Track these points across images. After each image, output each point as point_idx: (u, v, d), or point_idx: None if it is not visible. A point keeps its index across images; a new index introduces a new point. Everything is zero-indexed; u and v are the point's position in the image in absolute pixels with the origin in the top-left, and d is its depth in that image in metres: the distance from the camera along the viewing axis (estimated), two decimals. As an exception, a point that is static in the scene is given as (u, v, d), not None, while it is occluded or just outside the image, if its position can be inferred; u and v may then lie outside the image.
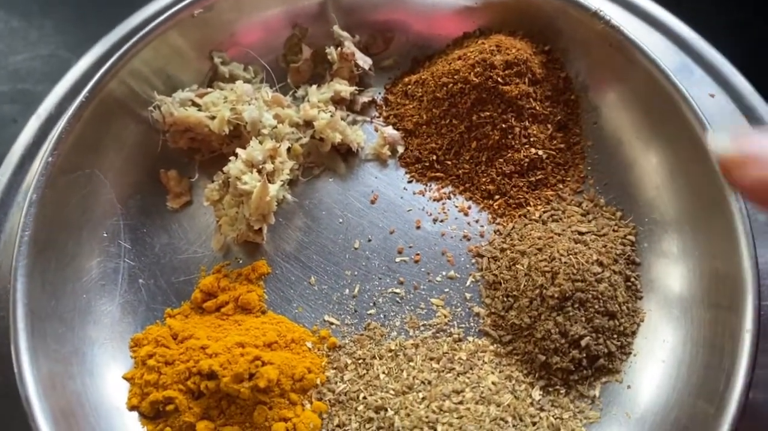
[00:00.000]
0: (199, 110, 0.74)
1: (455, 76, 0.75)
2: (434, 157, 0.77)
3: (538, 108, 0.75)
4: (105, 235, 0.74)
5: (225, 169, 0.72)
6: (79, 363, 0.67)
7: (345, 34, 0.79)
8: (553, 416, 0.67)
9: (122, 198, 0.76)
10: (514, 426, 0.65)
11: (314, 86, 0.79)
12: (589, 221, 0.75)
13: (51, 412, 0.62)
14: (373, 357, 0.71)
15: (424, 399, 0.66)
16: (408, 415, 0.65)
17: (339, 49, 0.78)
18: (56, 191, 0.69)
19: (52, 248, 0.69)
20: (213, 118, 0.74)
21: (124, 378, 0.69)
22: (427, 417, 0.64)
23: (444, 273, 0.74)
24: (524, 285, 0.70)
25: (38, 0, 1.13)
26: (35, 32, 1.11)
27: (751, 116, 0.79)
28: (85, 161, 0.73)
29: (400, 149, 0.79)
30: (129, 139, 0.76)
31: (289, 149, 0.74)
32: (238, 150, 0.72)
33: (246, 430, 0.67)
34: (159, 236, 0.76)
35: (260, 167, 0.70)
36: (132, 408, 0.68)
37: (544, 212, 0.76)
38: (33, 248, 0.67)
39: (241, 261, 0.75)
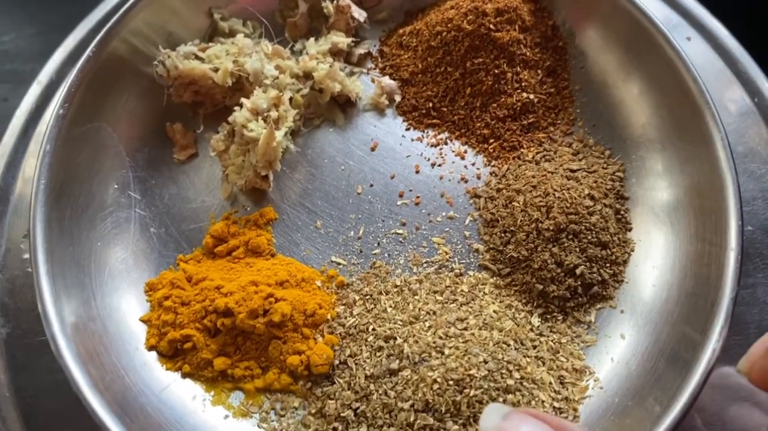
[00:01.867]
0: (203, 63, 0.77)
1: (449, 25, 0.78)
2: (430, 104, 0.81)
3: (528, 54, 0.79)
4: (116, 186, 0.76)
5: (230, 118, 0.75)
6: (97, 306, 0.70)
7: (340, -12, 0.82)
8: (551, 340, 0.71)
9: (130, 151, 0.78)
10: (516, 349, 0.69)
11: (312, 39, 0.81)
12: (580, 160, 0.78)
13: (77, 351, 0.64)
14: (380, 293, 0.74)
15: (430, 327, 0.70)
16: (416, 342, 0.68)
17: (335, 2, 0.81)
18: (68, 143, 0.71)
19: (66, 197, 0.71)
20: (216, 70, 0.76)
21: (141, 320, 0.72)
22: (434, 342, 0.68)
23: (444, 214, 0.77)
24: (521, 221, 0.74)
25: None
26: (21, 12, 1.12)
27: (726, 56, 0.83)
28: (93, 115, 0.75)
29: (397, 98, 0.82)
30: (134, 94, 0.78)
31: (290, 100, 0.77)
32: (243, 100, 0.74)
33: (261, 364, 0.70)
34: (167, 187, 0.78)
35: (265, 114, 0.73)
36: (151, 347, 0.71)
37: (537, 153, 0.80)
38: (49, 197, 0.69)
39: (248, 209, 0.78)
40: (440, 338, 0.68)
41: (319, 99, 0.80)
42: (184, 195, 0.78)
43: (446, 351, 0.67)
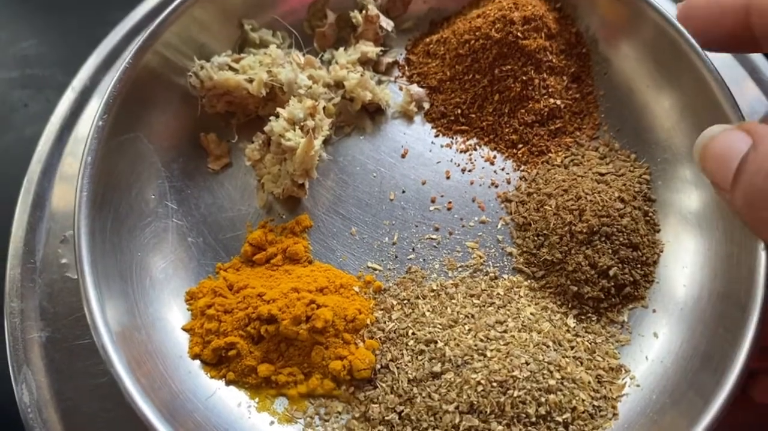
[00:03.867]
0: (237, 74, 0.78)
1: (477, 33, 0.80)
2: (459, 111, 0.82)
3: (554, 61, 0.81)
4: (153, 196, 0.77)
5: (267, 128, 0.76)
6: (140, 315, 0.70)
7: (367, -2, 0.84)
8: (587, 340, 0.73)
9: (166, 162, 0.78)
10: (555, 349, 0.70)
11: (341, 49, 0.83)
12: (607, 164, 0.80)
13: (126, 359, 0.65)
14: (417, 297, 0.75)
15: (470, 330, 0.71)
16: (457, 345, 0.70)
17: (363, 12, 0.83)
18: (107, 154, 0.72)
19: (107, 208, 0.72)
20: (250, 81, 0.77)
21: (184, 329, 0.73)
22: (475, 345, 0.69)
23: (476, 218, 0.79)
24: (554, 224, 0.75)
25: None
26: (41, 18, 1.13)
27: (745, 61, 0.85)
28: (130, 126, 0.75)
29: (426, 106, 0.83)
30: (168, 106, 0.79)
31: (324, 109, 0.78)
32: (279, 110, 0.75)
33: (304, 370, 0.71)
34: (203, 197, 0.79)
35: (302, 123, 0.74)
36: (195, 356, 0.71)
37: (565, 157, 0.81)
38: (91, 208, 0.70)
39: (284, 217, 0.79)
40: (481, 340, 0.70)
41: (350, 108, 0.82)
42: (220, 204, 0.79)
43: (488, 354, 0.68)
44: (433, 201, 0.79)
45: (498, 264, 0.77)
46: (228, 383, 0.71)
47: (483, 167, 0.81)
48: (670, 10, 0.77)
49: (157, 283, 0.74)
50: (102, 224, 0.71)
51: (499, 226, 0.78)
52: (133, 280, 0.72)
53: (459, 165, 0.81)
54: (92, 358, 0.70)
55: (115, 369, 0.63)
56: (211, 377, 0.71)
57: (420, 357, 0.70)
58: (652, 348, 0.72)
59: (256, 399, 0.70)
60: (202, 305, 0.72)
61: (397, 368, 0.71)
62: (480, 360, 0.68)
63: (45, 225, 0.78)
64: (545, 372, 0.68)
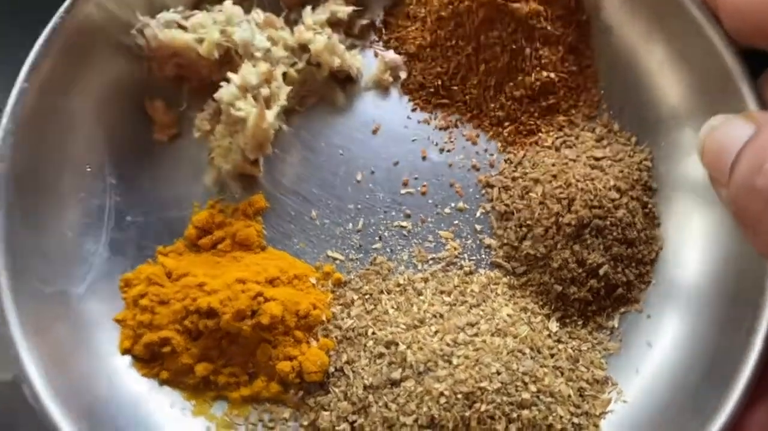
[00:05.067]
0: (186, 33, 0.68)
1: (461, -7, 0.70)
2: (439, 82, 0.73)
3: (549, 28, 0.71)
4: (88, 169, 0.68)
5: (216, 95, 0.67)
6: (66, 303, 0.63)
7: (340, -49, 0.74)
8: (571, 348, 0.64)
9: (105, 130, 0.69)
10: (532, 357, 0.62)
11: (308, 8, 0.73)
12: (604, 147, 0.71)
13: (39, 354, 0.57)
14: (381, 292, 0.67)
15: (437, 332, 0.63)
16: (421, 349, 0.61)
17: (335, -34, 0.73)
18: (33, 120, 0.64)
19: (31, 181, 0.64)
20: (201, 41, 0.68)
21: (116, 320, 0.65)
22: (441, 350, 0.61)
23: (452, 205, 0.70)
24: (539, 214, 0.66)
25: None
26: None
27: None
28: (63, 89, 0.67)
29: (403, 75, 0.74)
30: (110, 67, 0.70)
31: (284, 75, 0.69)
32: (230, 74, 0.66)
33: (248, 371, 0.64)
34: (147, 171, 0.70)
35: (255, 92, 0.65)
36: (125, 351, 0.64)
37: (557, 138, 0.72)
38: (11, 181, 0.62)
39: (237, 196, 0.70)
40: (448, 345, 0.62)
41: (316, 75, 0.72)
42: (165, 180, 0.71)
43: (454, 360, 0.60)
44: (405, 184, 0.70)
45: (474, 257, 0.68)
46: (161, 383, 0.64)
47: (464, 147, 0.72)
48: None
49: (89, 267, 0.66)
50: (24, 198, 0.63)
51: (478, 214, 0.70)
52: (59, 263, 0.64)
53: (437, 144, 0.72)
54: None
55: (23, 367, 0.55)
56: (143, 375, 0.64)
57: (378, 361, 0.62)
58: (644, 358, 0.64)
59: (193, 402, 0.63)
60: (136, 294, 0.64)
61: (353, 372, 0.63)
62: (445, 368, 0.60)
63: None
64: (519, 383, 0.60)
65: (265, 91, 0.66)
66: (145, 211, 0.69)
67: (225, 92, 0.66)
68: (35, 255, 0.62)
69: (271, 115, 0.65)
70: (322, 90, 0.73)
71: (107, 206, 0.69)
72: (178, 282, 0.64)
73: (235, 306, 0.61)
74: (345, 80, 0.74)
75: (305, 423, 0.63)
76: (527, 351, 0.62)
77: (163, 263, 0.66)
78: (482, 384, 0.59)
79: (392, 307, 0.66)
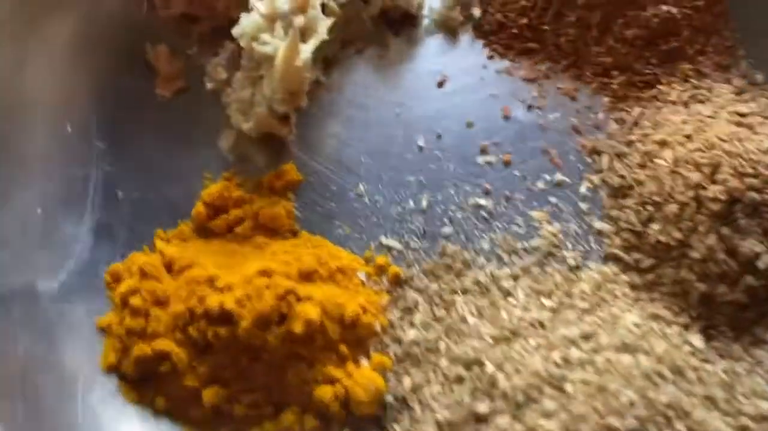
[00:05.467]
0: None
1: None
2: (525, 21, 0.58)
3: (669, -52, 0.54)
4: (69, 130, 0.53)
5: (235, 30, 0.51)
6: (29, 304, 0.47)
7: None
8: (722, 370, 0.46)
9: (94, 82, 0.56)
10: (674, 382, 0.44)
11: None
12: (747, 102, 0.53)
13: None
14: (455, 292, 0.50)
15: (538, 347, 0.45)
16: (518, 371, 0.44)
17: None
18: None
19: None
20: (217, -36, 0.52)
21: (99, 326, 0.49)
22: (547, 372, 0.43)
23: (547, 178, 0.54)
24: (670, 187, 0.49)
25: None
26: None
27: None
28: (35, 28, 0.51)
29: (476, 13, 0.58)
30: (100, 2, 0.55)
31: (323, 7, 0.53)
32: (254, 1, 0.50)
33: (275, 399, 0.47)
34: (145, 133, 0.56)
35: (286, 22, 0.49)
36: (109, 368, 0.48)
37: (683, 91, 0.56)
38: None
39: (260, 166, 0.55)
40: (557, 365, 0.44)
41: (364, 13, 0.57)
42: (169, 145, 0.55)
43: (568, 387, 0.43)
44: (483, 151, 0.55)
45: (580, 247, 0.52)
46: (156, 413, 0.47)
47: (559, 104, 0.56)
48: None
49: (66, 256, 0.50)
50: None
51: (582, 189, 0.54)
52: (24, 251, 0.49)
53: (523, 100, 0.57)
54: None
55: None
56: (131, 402, 0.47)
57: (457, 388, 0.46)
58: (829, 386, 0.45)
59: (199, 441, 0.46)
60: (125, 292, 0.48)
61: (420, 403, 0.47)
62: (555, 398, 0.43)
63: None
64: (660, 418, 0.43)
65: (298, 20, 0.49)
66: (142, 184, 0.54)
67: (247, 23, 0.50)
68: (-10, 237, 0.46)
69: (307, 49, 0.49)
70: (371, 33, 0.59)
71: (93, 177, 0.54)
72: (181, 276, 0.48)
73: (258, 308, 0.45)
74: (401, 21, 0.59)
75: (353, 473, 0.45)
76: (667, 373, 0.44)
77: (162, 250, 0.49)
78: (610, 421, 0.42)
79: (471, 313, 0.49)
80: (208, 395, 0.46)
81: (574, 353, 0.45)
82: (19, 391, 0.43)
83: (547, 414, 0.42)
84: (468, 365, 0.46)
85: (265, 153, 0.55)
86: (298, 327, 0.45)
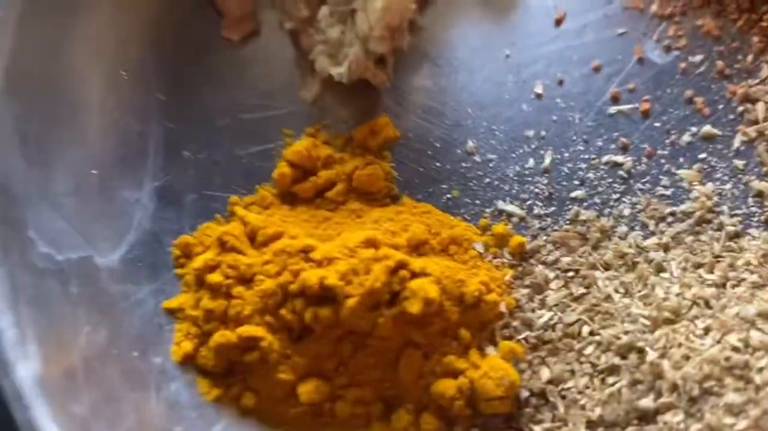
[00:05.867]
0: None
1: None
2: (655, -54, 0.48)
3: None
4: (124, 76, 0.44)
5: (323, -44, 0.42)
6: (85, 276, 0.39)
7: None
8: None
9: (152, 25, 0.46)
10: None
11: None
12: None
13: (43, 368, 0.33)
14: (593, 267, 0.41)
15: (709, 330, 0.37)
16: (687, 358, 0.36)
17: None
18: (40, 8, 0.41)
19: (32, 92, 0.41)
20: None
21: (167, 308, 0.40)
22: (727, 359, 0.35)
23: (694, 130, 0.45)
24: None
25: None
26: None
27: None
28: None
29: (598, -62, 0.49)
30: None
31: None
32: None
33: (385, 394, 0.38)
34: (213, 84, 0.47)
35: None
36: (184, 358, 0.39)
37: None
38: (9, 90, 0.38)
39: (349, 121, 0.46)
40: (736, 350, 0.35)
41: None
42: (240, 97, 0.47)
43: (756, 377, 0.35)
44: (614, 99, 0.46)
45: (740, 211, 0.43)
46: (243, 413, 0.39)
47: (701, 45, 0.47)
48: None
49: (125, 225, 0.42)
50: (24, 118, 0.40)
51: (735, 144, 0.44)
52: (77, 218, 0.41)
53: (659, 40, 0.47)
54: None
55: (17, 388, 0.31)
56: (211, 400, 0.39)
57: (611, 380, 0.37)
58: None
59: (296, 447, 0.38)
60: (201, 267, 0.40)
61: (564, 398, 0.38)
62: (741, 389, 0.35)
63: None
64: None
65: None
66: (209, 143, 0.46)
67: (340, -56, 0.41)
68: (41, 202, 0.39)
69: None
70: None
71: (153, 134, 0.45)
72: (268, 248, 0.40)
73: (366, 285, 0.36)
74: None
75: (486, 483, 0.37)
76: None
77: (244, 218, 0.41)
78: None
79: (617, 291, 0.40)
80: (306, 390, 0.38)
81: (756, 335, 0.36)
82: (83, 382, 0.35)
83: (733, 410, 0.34)
84: (622, 352, 0.38)
85: (354, 105, 0.46)
86: (414, 307, 0.37)
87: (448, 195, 0.44)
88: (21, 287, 0.35)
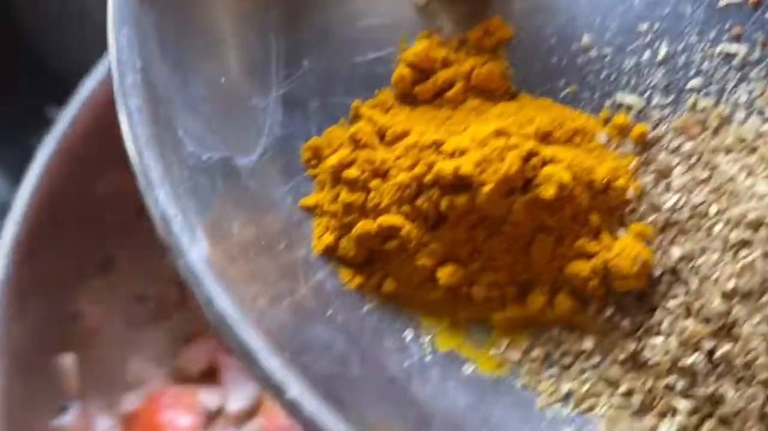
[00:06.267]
0: None
1: None
2: None
3: None
4: (246, -9, 0.46)
5: None
6: (230, 176, 0.41)
7: None
8: None
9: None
10: None
11: None
12: None
13: (206, 251, 0.35)
14: (715, 152, 0.42)
15: (842, 204, 0.37)
16: (819, 228, 0.36)
17: None
18: None
19: (167, 7, 0.41)
20: None
21: (304, 206, 0.42)
22: None
23: None
24: None
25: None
26: None
27: None
28: None
29: None
30: None
31: None
32: None
33: (519, 278, 0.40)
34: None
35: None
36: (326, 250, 0.41)
37: None
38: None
39: (460, 24, 0.47)
40: None
41: None
42: (353, 6, 0.47)
43: None
44: None
45: None
46: (385, 299, 0.41)
47: None
48: None
49: (256, 130, 0.44)
50: (161, 27, 0.41)
51: None
52: (215, 123, 0.43)
53: None
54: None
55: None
56: (355, 288, 0.41)
57: (743, 252, 0.38)
58: None
59: (436, 328, 0.40)
60: (336, 165, 0.41)
61: (695, 273, 0.39)
62: None
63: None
64: None
65: None
66: (329, 52, 0.46)
67: None
68: (182, 106, 0.41)
69: None
70: None
71: (273, 46, 0.46)
72: (398, 144, 0.41)
73: (500, 171, 0.38)
74: None
75: (622, 357, 0.39)
76: None
77: (371, 117, 0.43)
78: None
79: (739, 171, 0.41)
80: (444, 274, 0.40)
81: None
82: (243, 267, 0.37)
83: None
84: (754, 226, 0.38)
85: (465, 10, 0.47)
86: (549, 191, 0.38)
87: (566, 91, 0.45)
88: (179, 181, 0.37)
